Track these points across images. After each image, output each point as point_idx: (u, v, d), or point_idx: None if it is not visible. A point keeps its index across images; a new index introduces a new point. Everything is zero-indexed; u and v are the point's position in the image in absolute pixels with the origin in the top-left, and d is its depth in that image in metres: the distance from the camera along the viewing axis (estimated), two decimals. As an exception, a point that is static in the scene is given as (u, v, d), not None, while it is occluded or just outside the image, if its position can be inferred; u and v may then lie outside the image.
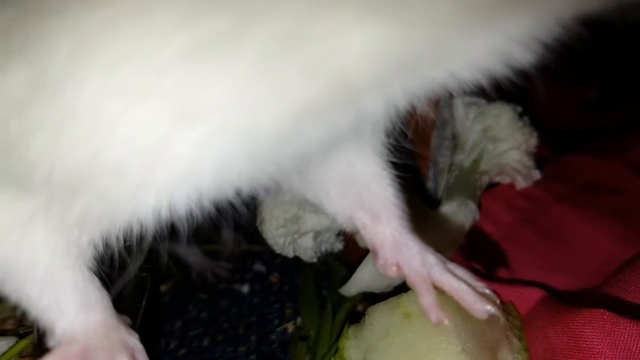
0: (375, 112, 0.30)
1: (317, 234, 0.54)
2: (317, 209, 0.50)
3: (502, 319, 0.45)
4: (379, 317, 0.45)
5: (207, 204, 0.32)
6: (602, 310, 0.41)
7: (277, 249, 0.53)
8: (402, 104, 0.32)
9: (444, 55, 0.28)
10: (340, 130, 0.31)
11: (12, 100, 0.28)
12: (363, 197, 0.44)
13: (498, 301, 0.43)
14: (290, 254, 0.54)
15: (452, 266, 0.44)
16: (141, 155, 0.28)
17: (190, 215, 0.32)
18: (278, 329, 0.57)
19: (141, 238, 0.33)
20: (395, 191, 0.44)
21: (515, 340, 0.45)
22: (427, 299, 0.42)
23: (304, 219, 0.50)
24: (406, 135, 0.42)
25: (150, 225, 0.32)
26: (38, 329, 0.36)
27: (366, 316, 0.46)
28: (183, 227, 0.33)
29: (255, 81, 0.26)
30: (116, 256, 0.35)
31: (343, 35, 0.25)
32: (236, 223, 0.67)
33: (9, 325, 0.46)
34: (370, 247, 0.45)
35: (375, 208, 0.44)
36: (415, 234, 0.44)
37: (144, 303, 0.38)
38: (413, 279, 0.43)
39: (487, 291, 0.43)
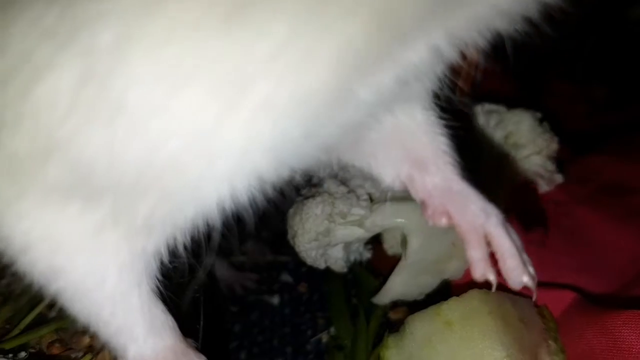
0: (421, 61, 0.30)
1: (347, 245, 0.55)
2: (347, 221, 0.51)
3: (539, 320, 0.47)
4: (419, 326, 0.46)
5: (268, 188, 0.31)
6: (640, 311, 0.42)
7: (310, 261, 0.54)
8: (447, 51, 0.30)
9: None
10: (389, 89, 0.30)
11: (63, 100, 0.27)
12: (410, 149, 0.42)
13: (536, 281, 0.41)
14: (322, 266, 0.55)
15: (509, 225, 0.41)
16: (196, 143, 0.27)
17: (254, 202, 0.31)
18: (312, 339, 0.58)
19: (208, 239, 0.33)
20: (444, 139, 0.42)
21: (552, 342, 0.46)
22: (477, 251, 0.40)
23: (334, 231, 0.51)
24: (454, 90, 0.40)
25: (216, 220, 0.31)
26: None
27: (406, 325, 0.47)
28: (248, 216, 0.32)
29: (297, 35, 0.25)
30: (185, 264, 0.35)
31: None
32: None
33: (56, 349, 0.46)
34: (419, 201, 0.42)
35: (423, 158, 0.42)
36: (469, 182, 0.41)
37: (202, 324, 0.39)
38: (463, 229, 0.40)
39: (531, 269, 0.41)
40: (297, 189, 0.59)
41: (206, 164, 0.28)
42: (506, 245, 0.40)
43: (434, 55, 0.30)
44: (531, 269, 0.40)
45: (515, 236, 0.41)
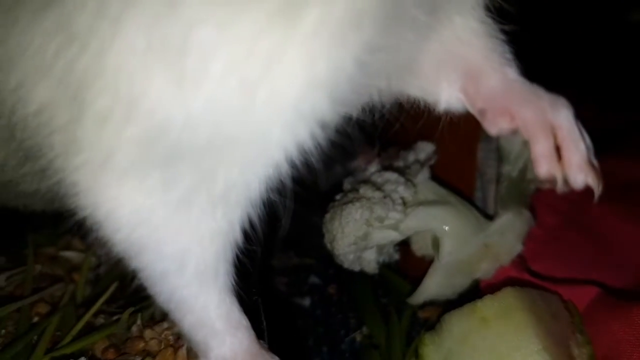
0: None
1: (380, 248, 0.58)
2: (384, 225, 0.54)
3: (567, 314, 0.51)
4: (456, 323, 0.49)
5: (330, 131, 0.32)
6: (664, 304, 0.46)
7: (347, 264, 0.57)
8: None
9: None
10: None
11: (136, 53, 0.28)
12: (463, 62, 0.40)
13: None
14: (357, 268, 0.58)
15: (579, 123, 0.39)
16: (256, 83, 0.28)
17: (319, 147, 0.32)
18: (346, 339, 0.61)
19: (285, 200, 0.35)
20: (500, 42, 0.40)
21: (579, 335, 0.50)
22: (543, 145, 0.37)
23: (372, 235, 0.54)
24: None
25: (286, 173, 0.32)
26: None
27: (442, 323, 0.50)
28: (318, 165, 0.33)
29: None
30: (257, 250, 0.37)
31: None
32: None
33: (111, 354, 0.49)
34: (477, 113, 0.40)
35: (477, 66, 0.40)
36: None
37: (264, 325, 0.42)
38: (528, 124, 0.38)
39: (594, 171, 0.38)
40: (327, 195, 0.62)
41: (268, 107, 0.29)
42: (575, 139, 0.37)
43: None
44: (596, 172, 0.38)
45: (587, 135, 0.38)
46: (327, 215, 0.57)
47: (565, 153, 0.38)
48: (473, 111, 0.41)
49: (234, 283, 0.38)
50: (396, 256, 0.63)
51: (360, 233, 0.54)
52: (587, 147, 0.38)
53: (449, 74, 0.41)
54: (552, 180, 0.39)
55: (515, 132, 0.39)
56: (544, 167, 0.38)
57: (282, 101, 0.29)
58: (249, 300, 0.41)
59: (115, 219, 0.34)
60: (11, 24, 0.31)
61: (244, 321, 0.38)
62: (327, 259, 0.64)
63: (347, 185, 0.60)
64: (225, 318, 0.37)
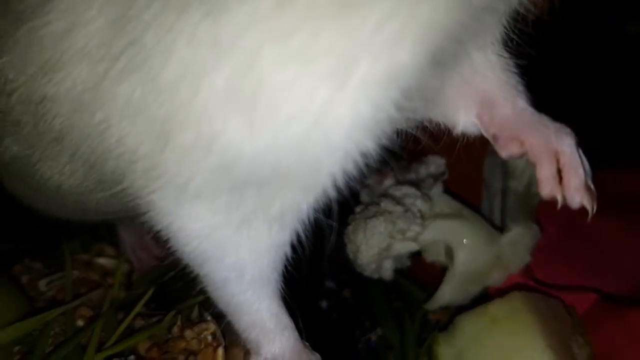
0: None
1: (398, 257, 0.64)
2: (405, 237, 0.60)
3: (569, 318, 0.57)
4: (468, 324, 0.55)
5: (370, 158, 0.35)
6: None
7: (368, 272, 0.63)
8: None
9: None
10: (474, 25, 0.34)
11: (218, 98, 0.32)
12: (479, 91, 0.45)
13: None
14: (376, 276, 0.64)
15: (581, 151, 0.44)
16: (314, 125, 0.31)
17: (360, 172, 0.36)
18: (362, 339, 0.67)
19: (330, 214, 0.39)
20: (514, 75, 0.45)
21: (579, 337, 0.56)
22: (547, 170, 0.43)
23: (393, 246, 0.60)
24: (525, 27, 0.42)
25: (332, 196, 0.37)
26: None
27: (455, 324, 0.56)
28: (357, 188, 0.38)
29: (391, 15, 0.29)
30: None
31: None
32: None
33: (154, 353, 0.54)
34: (490, 138, 0.46)
35: (492, 96, 0.45)
36: None
37: (301, 325, 0.47)
38: (535, 149, 0.43)
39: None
40: (349, 207, 0.67)
41: (320, 146, 0.33)
42: (574, 164, 0.43)
43: None
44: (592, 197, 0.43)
45: (586, 161, 0.44)
46: (350, 227, 0.62)
47: (566, 176, 0.44)
48: (487, 136, 0.46)
49: (281, 290, 0.44)
50: (408, 263, 0.69)
51: (384, 245, 0.60)
52: (586, 172, 0.44)
53: (466, 103, 0.46)
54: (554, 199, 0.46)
55: (523, 155, 0.46)
56: (547, 188, 0.44)
57: (333, 141, 0.33)
58: (291, 304, 0.47)
59: (185, 233, 0.40)
60: (99, 79, 0.35)
61: (289, 323, 0.44)
62: (342, 264, 0.70)
63: (364, 197, 0.65)
64: (274, 320, 0.43)
